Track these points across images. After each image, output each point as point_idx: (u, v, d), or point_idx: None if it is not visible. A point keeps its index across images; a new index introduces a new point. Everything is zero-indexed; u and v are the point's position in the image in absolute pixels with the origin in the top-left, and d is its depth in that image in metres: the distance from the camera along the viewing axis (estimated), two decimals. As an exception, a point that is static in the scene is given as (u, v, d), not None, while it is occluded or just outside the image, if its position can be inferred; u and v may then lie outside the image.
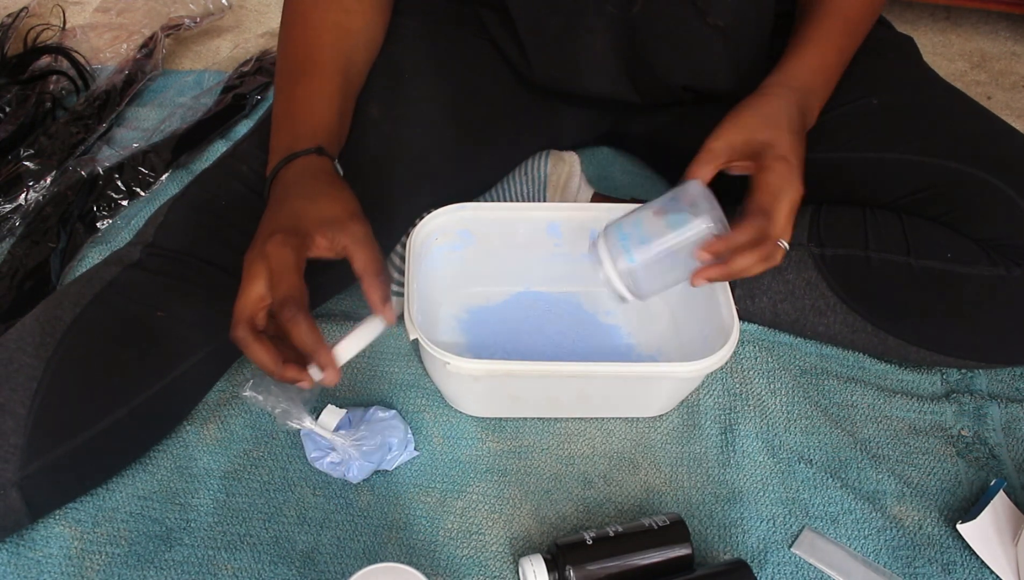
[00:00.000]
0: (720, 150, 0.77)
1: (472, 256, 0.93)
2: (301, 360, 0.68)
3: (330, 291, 0.88)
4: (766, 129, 0.77)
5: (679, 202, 0.74)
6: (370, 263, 0.68)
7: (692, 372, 0.79)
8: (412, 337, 0.78)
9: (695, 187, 0.74)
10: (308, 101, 0.77)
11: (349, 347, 0.69)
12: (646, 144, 1.11)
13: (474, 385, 0.81)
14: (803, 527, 0.80)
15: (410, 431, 0.84)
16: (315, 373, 0.68)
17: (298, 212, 0.69)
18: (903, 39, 0.95)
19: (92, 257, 1.02)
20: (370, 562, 0.74)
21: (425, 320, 0.90)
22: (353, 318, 0.94)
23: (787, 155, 0.75)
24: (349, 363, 0.90)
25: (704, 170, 0.76)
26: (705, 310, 0.86)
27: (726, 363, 0.92)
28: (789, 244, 0.76)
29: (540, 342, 0.93)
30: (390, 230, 0.89)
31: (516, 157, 1.01)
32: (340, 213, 0.69)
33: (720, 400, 0.89)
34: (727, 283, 0.83)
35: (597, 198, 0.99)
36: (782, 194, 0.74)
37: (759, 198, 0.74)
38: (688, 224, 0.72)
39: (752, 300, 0.92)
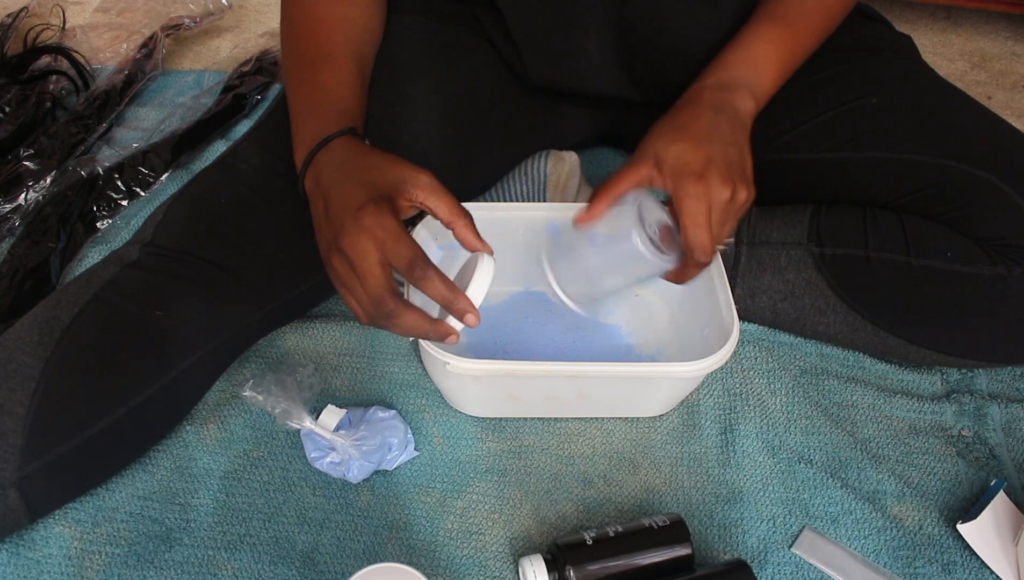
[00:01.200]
0: (638, 161, 0.75)
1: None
2: None
3: (330, 290, 0.88)
4: (678, 141, 0.75)
5: (613, 223, 0.74)
6: (452, 208, 0.70)
7: (692, 372, 0.78)
8: (411, 338, 0.78)
9: (628, 209, 0.74)
10: (329, 89, 0.77)
11: (476, 292, 0.69)
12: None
13: (474, 385, 0.81)
14: (803, 527, 0.80)
15: (410, 431, 0.84)
16: (455, 324, 0.70)
17: (367, 183, 0.69)
18: (902, 38, 0.95)
19: (92, 257, 1.02)
20: (370, 562, 0.74)
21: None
22: (352, 318, 0.94)
23: (701, 169, 0.73)
24: (349, 363, 0.90)
25: (623, 182, 0.75)
26: (705, 310, 0.86)
27: (726, 363, 0.92)
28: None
29: (540, 342, 0.93)
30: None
31: (516, 157, 1.02)
32: (404, 172, 0.70)
33: (720, 400, 0.89)
34: (727, 283, 0.83)
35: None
36: (699, 218, 0.72)
37: (686, 234, 0.73)
38: (618, 247, 0.73)
39: (752, 300, 0.92)
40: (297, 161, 0.76)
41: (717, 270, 0.84)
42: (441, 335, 0.69)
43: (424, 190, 0.69)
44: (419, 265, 0.66)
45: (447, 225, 0.70)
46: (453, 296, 0.67)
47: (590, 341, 0.93)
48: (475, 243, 0.70)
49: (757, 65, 0.82)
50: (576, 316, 0.94)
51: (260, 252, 0.80)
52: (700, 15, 0.85)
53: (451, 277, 0.69)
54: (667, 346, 0.93)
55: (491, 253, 0.71)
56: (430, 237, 0.88)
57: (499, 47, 0.93)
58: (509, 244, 0.92)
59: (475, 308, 0.68)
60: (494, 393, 0.83)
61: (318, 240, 0.72)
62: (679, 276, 0.78)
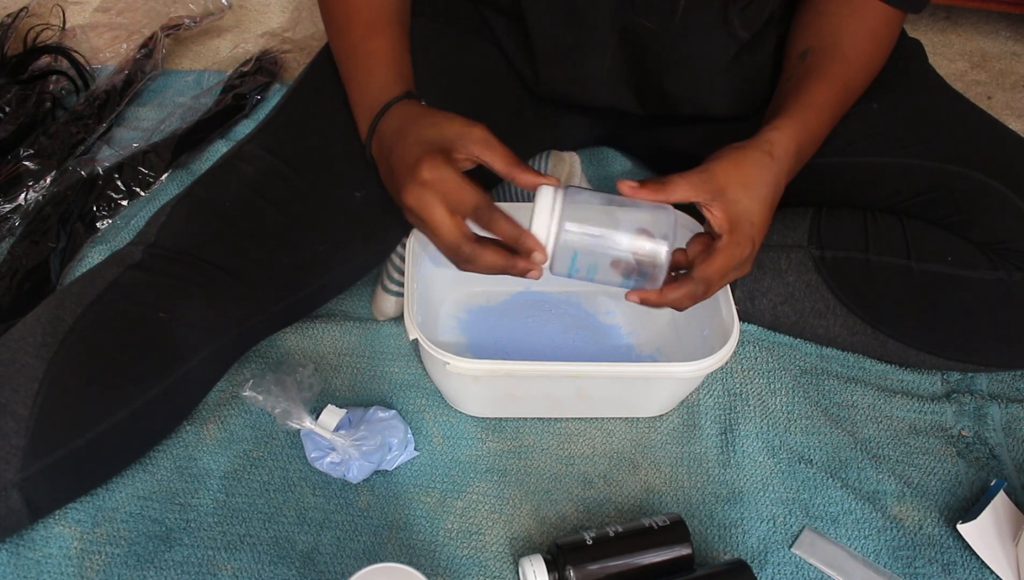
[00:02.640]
0: (706, 185, 0.72)
1: None
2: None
3: (332, 292, 0.88)
4: (751, 197, 0.73)
5: (648, 216, 0.71)
6: (507, 159, 0.71)
7: (692, 372, 0.78)
8: (412, 337, 0.78)
9: (669, 215, 0.72)
10: (386, 55, 0.80)
11: (540, 226, 0.70)
12: (646, 148, 1.11)
13: (474, 385, 0.81)
14: (803, 527, 0.80)
15: (410, 431, 0.84)
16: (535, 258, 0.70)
17: (423, 141, 0.72)
18: (910, 42, 0.94)
19: (92, 257, 1.02)
20: (370, 562, 0.74)
21: (425, 320, 0.90)
22: (353, 318, 0.94)
23: (756, 237, 0.73)
24: (349, 363, 0.90)
25: (683, 191, 0.72)
26: (705, 310, 0.86)
27: (726, 363, 0.92)
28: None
29: (540, 342, 0.93)
30: (387, 233, 0.88)
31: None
32: (458, 127, 0.72)
33: (720, 400, 0.89)
34: (727, 285, 0.82)
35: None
36: (728, 274, 0.73)
37: (706, 269, 0.72)
38: (637, 242, 0.71)
39: (752, 302, 0.92)
40: (361, 127, 0.80)
41: None
42: (522, 270, 0.71)
43: (478, 144, 0.71)
44: (484, 210, 0.69)
45: (505, 177, 0.71)
46: (519, 234, 0.69)
47: (590, 341, 0.93)
48: (538, 180, 0.71)
49: (818, 142, 0.80)
50: (576, 316, 0.95)
51: (263, 254, 0.80)
52: (714, 37, 0.85)
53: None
54: (667, 346, 0.93)
55: (556, 183, 0.71)
56: (422, 249, 0.87)
57: (511, 56, 0.93)
58: None
59: (542, 246, 0.69)
60: (494, 393, 0.83)
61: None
62: (660, 297, 0.74)
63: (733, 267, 0.73)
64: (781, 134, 0.76)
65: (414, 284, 0.82)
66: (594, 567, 0.72)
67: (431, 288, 0.92)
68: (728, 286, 0.83)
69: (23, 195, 1.05)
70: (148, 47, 1.29)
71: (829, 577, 0.77)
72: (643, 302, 0.73)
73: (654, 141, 1.06)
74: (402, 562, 0.64)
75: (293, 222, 0.81)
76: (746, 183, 0.73)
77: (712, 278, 0.72)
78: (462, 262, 0.71)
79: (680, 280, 0.73)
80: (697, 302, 0.74)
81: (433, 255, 0.89)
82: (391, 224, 0.86)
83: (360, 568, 0.64)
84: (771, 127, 0.76)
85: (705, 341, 0.86)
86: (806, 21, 0.85)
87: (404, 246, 0.89)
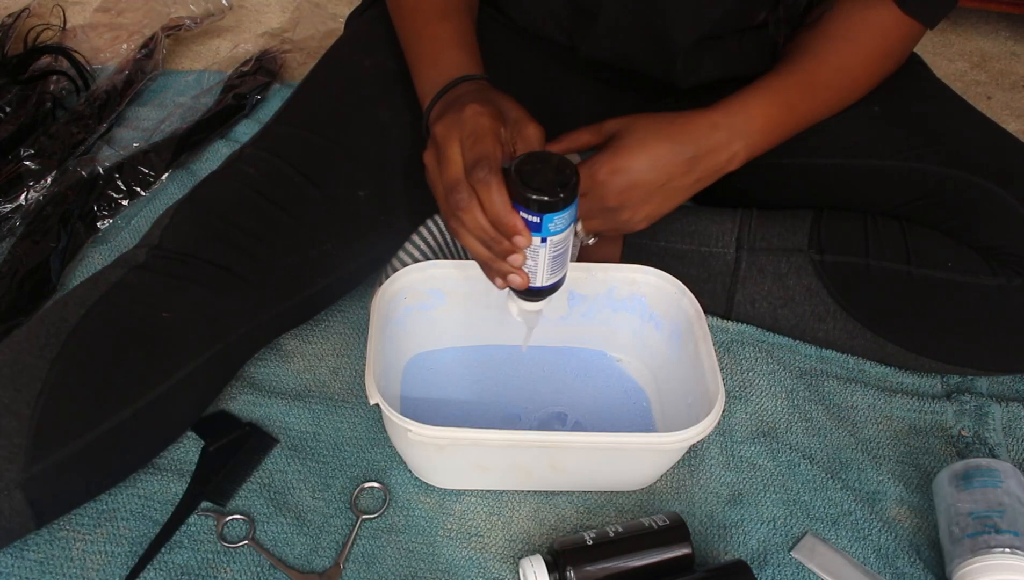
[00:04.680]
0: (603, 131, 0.79)
1: (442, 316, 0.88)
2: None
3: (334, 294, 0.88)
4: (648, 145, 0.77)
5: None
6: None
7: (673, 443, 0.73)
8: (372, 402, 0.72)
9: None
10: (460, 39, 0.79)
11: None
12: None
13: (437, 455, 0.76)
14: (804, 530, 0.80)
15: None
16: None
17: (485, 100, 0.70)
18: None
19: (92, 257, 1.02)
20: (369, 565, 0.74)
21: (389, 383, 0.85)
22: (353, 320, 0.95)
23: (624, 189, 0.76)
24: (348, 365, 0.90)
25: (584, 137, 0.79)
26: (690, 378, 0.82)
27: (726, 364, 0.93)
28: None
29: (517, 397, 0.88)
30: (391, 233, 0.89)
31: None
32: (521, 113, 0.71)
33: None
34: (712, 350, 0.79)
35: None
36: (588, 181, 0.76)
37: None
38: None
39: (752, 306, 0.92)
40: (425, 96, 0.77)
41: (703, 336, 0.81)
42: (504, 251, 0.67)
43: (524, 140, 0.70)
44: (483, 167, 0.65)
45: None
46: (504, 214, 0.65)
47: (580, 387, 0.90)
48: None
49: (767, 127, 0.81)
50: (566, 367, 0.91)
51: (267, 254, 0.80)
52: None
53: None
54: (660, 372, 0.90)
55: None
56: (400, 294, 0.84)
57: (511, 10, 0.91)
58: (482, 304, 0.88)
59: (525, 232, 0.65)
60: (459, 463, 0.78)
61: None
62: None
63: (595, 216, 0.77)
64: (720, 110, 0.79)
65: (378, 345, 0.77)
66: (594, 568, 0.72)
67: (397, 349, 0.87)
68: (713, 352, 0.79)
69: (24, 195, 1.05)
70: (148, 47, 1.29)
71: (828, 581, 0.77)
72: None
73: None
74: (401, 564, 0.63)
75: (296, 222, 0.81)
76: (643, 141, 0.76)
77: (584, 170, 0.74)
78: (454, 210, 0.67)
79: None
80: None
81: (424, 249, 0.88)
82: (394, 225, 0.87)
83: (360, 569, 0.63)
84: (727, 100, 0.80)
85: (689, 409, 0.80)
86: (813, 23, 0.85)
87: (405, 250, 0.89)
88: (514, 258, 0.67)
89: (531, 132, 0.70)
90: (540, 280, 0.70)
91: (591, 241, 0.79)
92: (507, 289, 0.73)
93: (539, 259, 0.68)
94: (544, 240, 0.67)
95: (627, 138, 0.77)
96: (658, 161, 0.77)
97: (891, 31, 0.83)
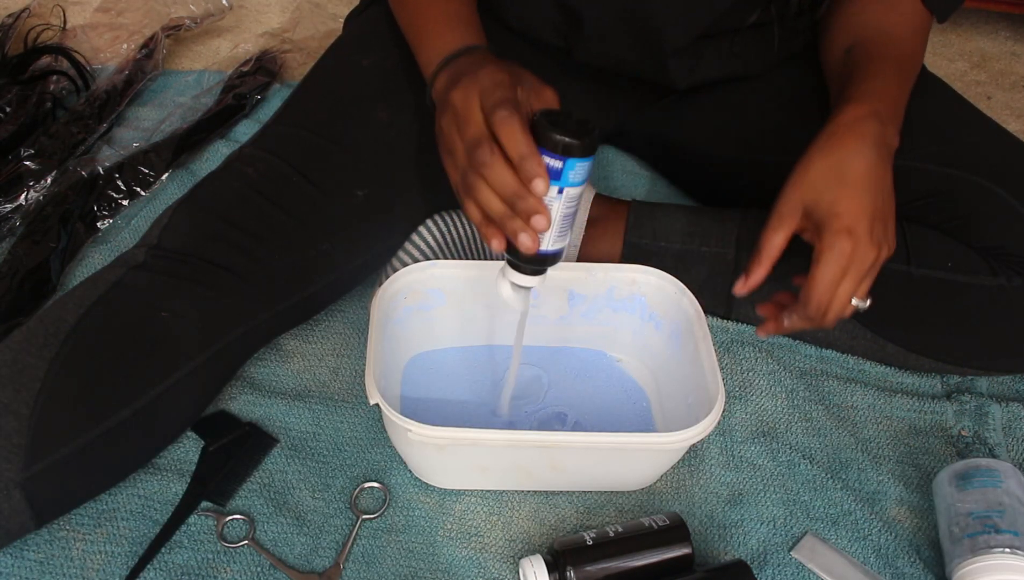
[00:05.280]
0: (788, 214, 0.73)
1: (442, 316, 0.88)
2: None
3: (333, 294, 0.88)
4: (833, 188, 0.71)
5: None
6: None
7: (673, 443, 0.73)
8: (372, 402, 0.72)
9: None
10: (456, 17, 0.78)
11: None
12: (648, 142, 1.11)
13: (437, 455, 0.76)
14: (804, 530, 0.80)
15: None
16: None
17: (500, 63, 0.70)
18: None
19: (92, 257, 1.02)
20: (369, 566, 0.74)
21: (389, 383, 0.84)
22: (352, 320, 0.95)
23: (852, 225, 0.70)
24: (349, 365, 0.90)
25: (776, 237, 0.73)
26: (690, 377, 0.82)
27: (726, 364, 0.93)
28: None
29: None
30: (391, 233, 0.89)
31: None
32: (535, 79, 0.70)
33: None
34: (712, 349, 0.80)
35: (598, 199, 0.99)
36: (835, 286, 0.70)
37: (811, 290, 0.71)
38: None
39: (752, 306, 0.92)
40: (427, 65, 0.76)
41: (703, 336, 0.81)
42: (528, 210, 0.64)
43: (541, 101, 0.68)
44: (504, 106, 0.64)
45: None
46: (527, 151, 0.63)
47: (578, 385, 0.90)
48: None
49: (896, 107, 0.77)
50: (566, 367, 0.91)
51: (266, 253, 0.80)
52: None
53: None
54: (659, 372, 0.90)
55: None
56: (400, 294, 0.83)
57: (505, 13, 0.91)
58: (482, 304, 0.88)
59: (545, 175, 0.63)
60: (459, 463, 0.78)
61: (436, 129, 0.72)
62: (779, 325, 0.76)
63: (843, 270, 0.70)
64: (849, 107, 0.74)
65: (378, 345, 0.77)
66: (594, 567, 0.72)
67: (397, 349, 0.86)
68: (713, 352, 0.79)
69: (24, 195, 1.05)
70: (148, 47, 1.29)
71: (828, 581, 0.77)
72: (770, 334, 0.76)
73: (658, 137, 1.06)
74: (401, 565, 0.64)
75: (295, 222, 0.81)
76: (823, 177, 0.71)
77: (817, 295, 0.70)
78: (478, 167, 0.65)
79: (793, 306, 0.73)
80: (821, 323, 0.72)
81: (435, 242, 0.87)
82: (393, 225, 0.87)
83: (359, 570, 0.63)
84: (836, 109, 0.75)
85: (689, 409, 0.80)
86: (842, 22, 0.86)
87: (405, 250, 0.89)
88: (538, 220, 0.65)
89: (547, 94, 0.69)
90: (548, 242, 0.68)
91: (867, 303, 0.75)
92: (500, 270, 0.72)
93: (551, 215, 0.67)
94: (561, 191, 0.66)
95: (824, 202, 0.71)
96: (866, 192, 0.72)
97: (916, 22, 0.83)
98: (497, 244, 0.68)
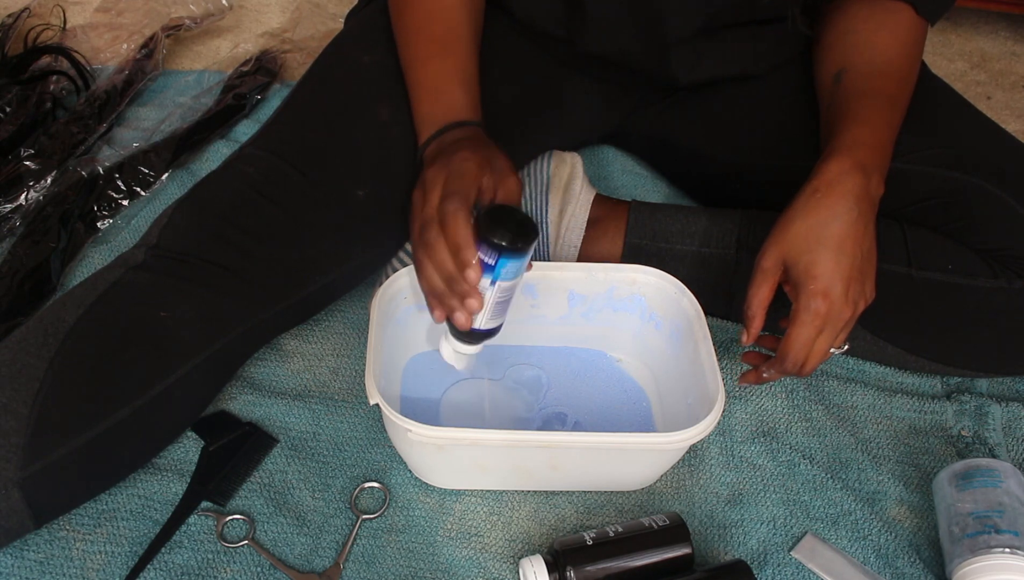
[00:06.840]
0: (770, 270, 0.76)
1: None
2: None
3: (333, 294, 0.88)
4: (811, 249, 0.73)
5: None
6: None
7: (672, 443, 0.73)
8: (372, 402, 0.73)
9: None
10: (456, 76, 0.81)
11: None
12: (648, 142, 1.11)
13: (437, 455, 0.77)
14: (804, 530, 0.80)
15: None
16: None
17: (477, 149, 0.74)
18: None
19: (93, 257, 1.02)
20: (369, 566, 0.74)
21: (389, 383, 0.85)
22: (352, 321, 0.95)
23: (828, 287, 0.73)
24: (348, 366, 0.90)
25: (761, 292, 0.77)
26: (690, 377, 0.82)
27: (726, 364, 0.92)
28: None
29: (517, 402, 0.88)
30: (391, 233, 0.89)
31: (522, 155, 1.01)
32: (506, 166, 0.75)
33: (720, 401, 0.89)
34: (712, 350, 0.80)
35: (599, 199, 0.99)
36: (810, 344, 0.74)
37: (787, 348, 0.75)
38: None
39: (753, 307, 0.93)
40: (423, 129, 0.81)
41: (703, 336, 0.81)
42: (462, 293, 0.70)
43: (504, 190, 0.74)
44: (455, 199, 0.69)
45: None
46: (465, 244, 0.68)
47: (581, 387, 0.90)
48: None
49: (883, 155, 0.79)
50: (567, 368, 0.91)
51: (265, 252, 0.80)
52: None
53: None
54: (659, 372, 0.90)
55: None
56: (400, 294, 0.84)
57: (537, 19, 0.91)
58: None
59: (479, 265, 0.69)
60: (459, 463, 0.78)
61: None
62: (759, 377, 0.80)
63: (818, 329, 0.73)
64: (834, 161, 0.76)
65: (378, 345, 0.77)
66: (594, 567, 0.72)
67: (397, 350, 0.87)
68: (713, 352, 0.80)
69: (24, 195, 1.05)
70: (148, 47, 1.29)
71: (828, 581, 0.77)
72: (750, 383, 0.82)
73: (659, 137, 1.06)
74: (401, 564, 0.64)
75: (295, 220, 0.81)
76: (802, 238, 0.74)
77: (793, 352, 0.74)
78: (421, 246, 0.71)
79: (771, 361, 0.77)
80: (800, 374, 0.76)
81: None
82: (393, 224, 0.86)
83: (359, 571, 0.63)
84: (821, 160, 0.77)
85: (689, 409, 0.80)
86: (831, 42, 0.86)
87: (405, 250, 0.89)
88: (470, 303, 0.70)
89: (511, 184, 0.74)
90: (480, 322, 0.74)
91: (845, 348, 0.78)
92: (444, 333, 0.77)
93: (484, 301, 0.72)
94: (493, 282, 0.71)
95: (801, 263, 0.74)
96: (842, 253, 0.74)
97: (906, 36, 0.84)
98: (438, 315, 0.73)
